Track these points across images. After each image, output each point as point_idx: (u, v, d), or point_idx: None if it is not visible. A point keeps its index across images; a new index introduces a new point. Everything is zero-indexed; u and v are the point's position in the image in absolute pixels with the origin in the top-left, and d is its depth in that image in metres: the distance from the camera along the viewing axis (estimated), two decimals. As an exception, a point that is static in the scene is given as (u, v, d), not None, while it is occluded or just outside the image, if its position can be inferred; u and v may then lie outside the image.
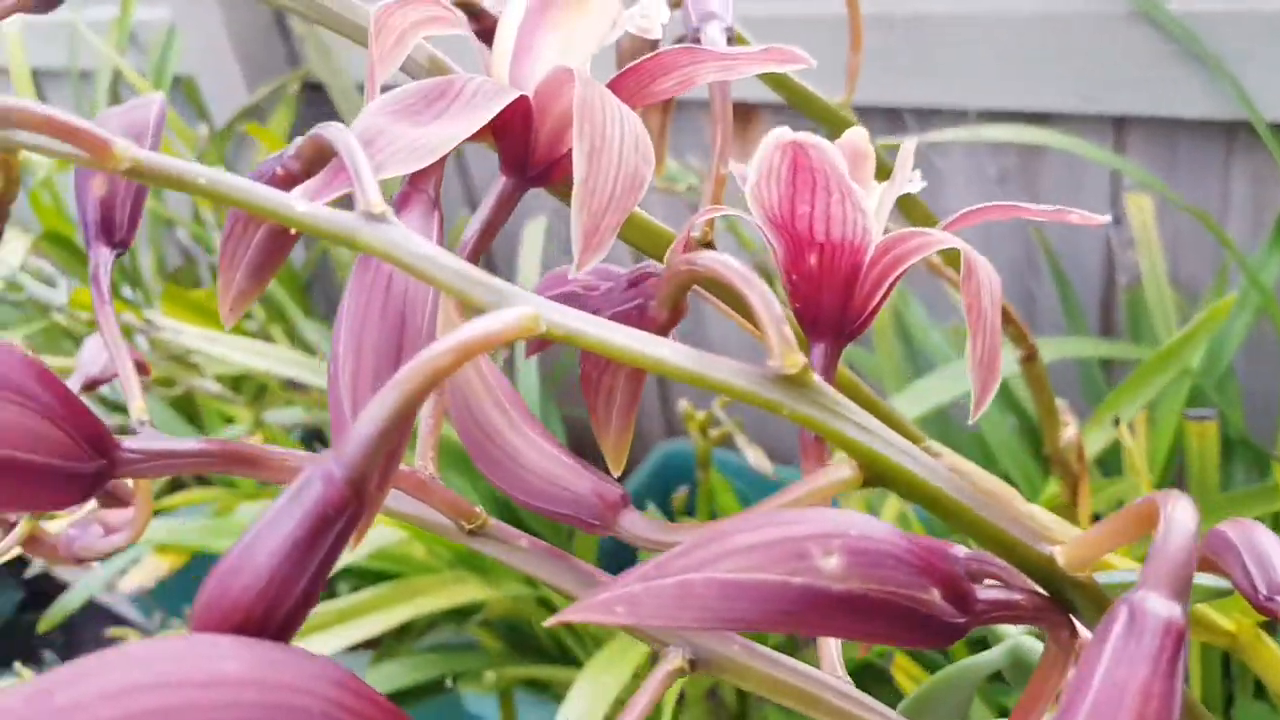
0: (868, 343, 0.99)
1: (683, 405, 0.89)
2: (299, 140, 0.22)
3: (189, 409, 1.10)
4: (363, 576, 1.01)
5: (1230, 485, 0.89)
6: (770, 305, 0.18)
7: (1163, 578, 0.14)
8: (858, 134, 0.27)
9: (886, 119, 1.03)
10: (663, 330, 0.22)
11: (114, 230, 0.35)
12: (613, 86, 0.27)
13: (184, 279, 1.32)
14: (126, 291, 1.29)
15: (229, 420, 1.07)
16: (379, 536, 0.90)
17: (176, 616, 1.18)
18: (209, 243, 1.18)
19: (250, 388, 1.08)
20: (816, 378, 0.19)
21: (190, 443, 0.21)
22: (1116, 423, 0.71)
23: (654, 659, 0.20)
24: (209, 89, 1.31)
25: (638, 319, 0.22)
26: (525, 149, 0.26)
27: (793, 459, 1.15)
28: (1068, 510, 0.68)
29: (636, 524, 0.20)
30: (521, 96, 0.24)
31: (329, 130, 0.20)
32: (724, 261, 0.19)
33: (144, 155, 0.18)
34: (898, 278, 0.26)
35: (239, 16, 1.28)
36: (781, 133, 0.22)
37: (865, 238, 0.24)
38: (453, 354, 0.16)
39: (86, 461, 0.18)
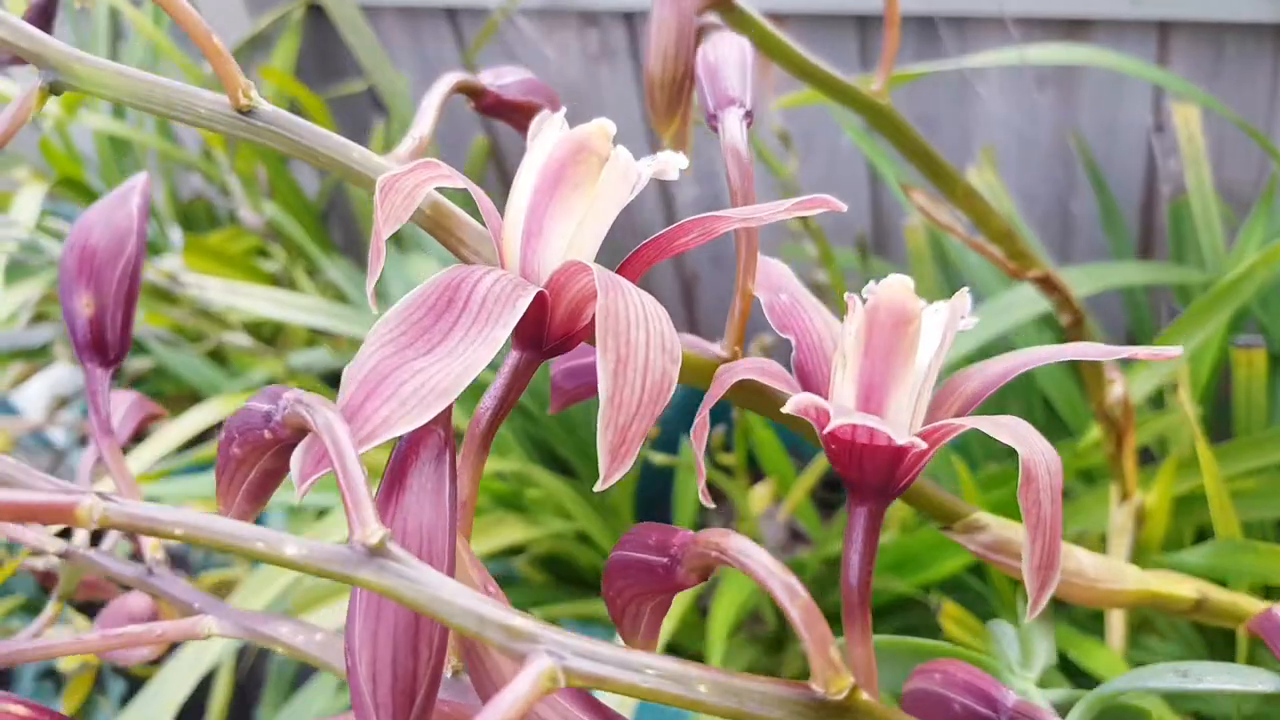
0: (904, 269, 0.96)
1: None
2: (286, 401, 0.20)
3: (219, 355, 1.10)
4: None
5: (1277, 407, 0.87)
6: (813, 623, 0.17)
7: None
8: (903, 289, 0.24)
9: (919, 28, 0.97)
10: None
11: (106, 350, 0.33)
12: (636, 256, 0.25)
13: (198, 214, 1.30)
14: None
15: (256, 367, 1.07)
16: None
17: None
18: (224, 183, 1.16)
19: (271, 326, 1.08)
20: (865, 696, 0.17)
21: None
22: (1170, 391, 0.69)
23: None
24: (210, 18, 1.27)
25: (665, 577, 0.21)
26: (540, 330, 0.24)
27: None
28: (1113, 459, 0.67)
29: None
30: (537, 294, 0.22)
31: (316, 416, 0.19)
32: (764, 564, 0.18)
33: (111, 508, 0.17)
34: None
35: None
36: (808, 400, 0.20)
37: (909, 447, 0.22)
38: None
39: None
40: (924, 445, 0.23)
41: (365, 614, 0.19)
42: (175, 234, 1.04)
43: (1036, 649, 0.36)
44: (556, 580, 1.08)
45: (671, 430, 1.12)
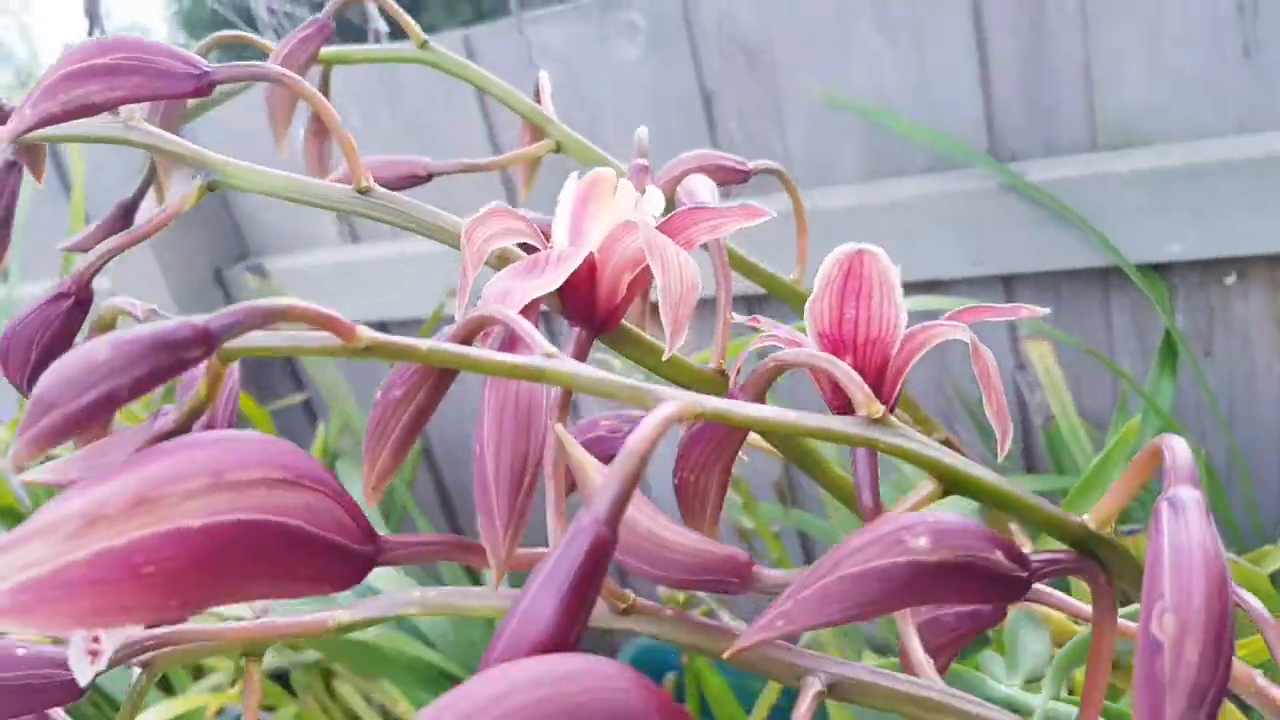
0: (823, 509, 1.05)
1: (662, 591, 0.93)
2: (456, 325, 0.28)
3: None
4: None
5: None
6: (850, 375, 0.25)
7: (1182, 478, 0.20)
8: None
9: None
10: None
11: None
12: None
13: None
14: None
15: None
16: None
17: None
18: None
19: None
20: (893, 418, 0.25)
21: (432, 537, 0.26)
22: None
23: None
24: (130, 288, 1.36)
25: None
26: (591, 302, 0.32)
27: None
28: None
29: (767, 576, 0.25)
30: (589, 254, 0.31)
31: (491, 310, 0.26)
32: (809, 353, 0.26)
33: (379, 337, 0.23)
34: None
35: (178, 279, 1.35)
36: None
37: (897, 331, 0.31)
38: (655, 429, 0.21)
39: (364, 544, 0.22)
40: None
41: (492, 417, 0.27)
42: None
43: (1024, 650, 0.41)
44: None
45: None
